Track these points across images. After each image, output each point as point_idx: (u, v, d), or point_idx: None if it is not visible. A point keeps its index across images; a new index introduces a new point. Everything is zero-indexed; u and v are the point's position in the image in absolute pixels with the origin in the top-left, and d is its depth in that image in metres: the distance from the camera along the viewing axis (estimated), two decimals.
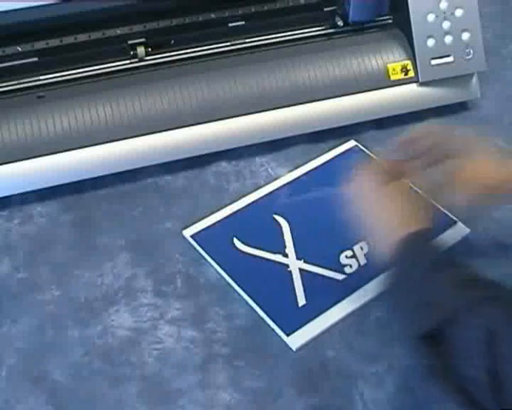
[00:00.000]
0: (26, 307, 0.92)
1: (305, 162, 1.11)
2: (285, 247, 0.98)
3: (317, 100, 1.13)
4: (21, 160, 1.03)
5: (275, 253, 0.97)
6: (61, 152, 1.04)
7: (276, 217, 1.02)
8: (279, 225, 1.01)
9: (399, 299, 0.77)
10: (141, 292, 0.94)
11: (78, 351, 0.88)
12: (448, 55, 1.16)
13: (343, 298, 0.92)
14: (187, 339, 0.89)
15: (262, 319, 0.90)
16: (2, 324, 0.91)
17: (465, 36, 1.15)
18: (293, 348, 0.88)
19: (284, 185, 1.08)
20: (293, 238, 0.99)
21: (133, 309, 0.92)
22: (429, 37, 1.14)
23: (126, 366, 0.86)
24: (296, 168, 1.10)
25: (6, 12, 1.03)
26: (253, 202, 1.05)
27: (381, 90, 1.15)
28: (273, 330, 0.89)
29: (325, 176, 1.09)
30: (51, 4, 1.06)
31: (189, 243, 1.00)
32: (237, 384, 0.85)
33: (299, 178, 1.09)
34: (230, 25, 1.18)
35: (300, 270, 0.95)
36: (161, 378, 0.85)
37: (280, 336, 0.89)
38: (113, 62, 1.13)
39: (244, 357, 0.87)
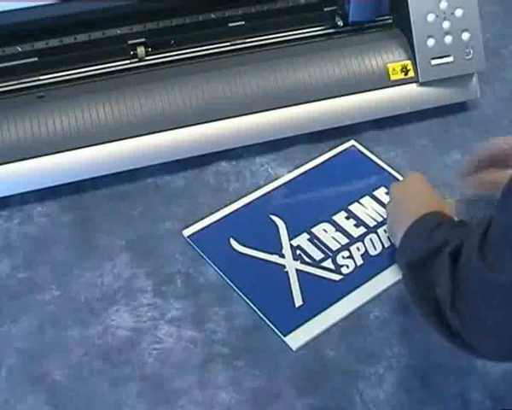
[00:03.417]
0: (26, 307, 0.92)
1: (305, 162, 1.11)
2: (281, 247, 0.98)
3: (317, 100, 1.13)
4: (21, 160, 1.03)
5: (271, 253, 0.97)
6: (61, 152, 1.04)
7: (273, 217, 1.02)
8: (276, 225, 1.01)
9: None
10: (141, 292, 0.94)
11: (78, 351, 0.88)
12: (448, 55, 1.16)
13: (340, 298, 0.92)
14: (187, 339, 0.89)
15: (262, 319, 0.91)
16: (2, 324, 0.91)
17: (465, 36, 1.15)
18: (293, 348, 0.88)
19: (282, 185, 1.08)
20: (289, 239, 0.99)
21: (133, 309, 0.92)
22: (429, 37, 1.14)
23: (126, 366, 0.86)
24: (296, 168, 1.10)
25: (6, 12, 1.04)
26: (250, 203, 1.05)
27: (381, 90, 1.15)
28: (273, 330, 0.89)
29: (324, 176, 1.09)
30: (51, 4, 1.06)
31: (189, 243, 1.00)
32: (237, 384, 0.85)
33: (297, 177, 1.09)
34: (230, 25, 1.18)
35: (297, 270, 0.95)
36: (161, 378, 0.85)
37: (280, 337, 0.89)
38: (113, 62, 1.13)
39: (244, 357, 0.87)
